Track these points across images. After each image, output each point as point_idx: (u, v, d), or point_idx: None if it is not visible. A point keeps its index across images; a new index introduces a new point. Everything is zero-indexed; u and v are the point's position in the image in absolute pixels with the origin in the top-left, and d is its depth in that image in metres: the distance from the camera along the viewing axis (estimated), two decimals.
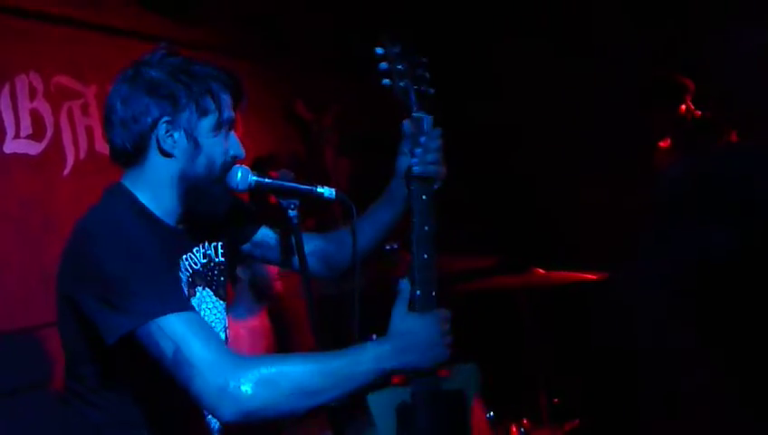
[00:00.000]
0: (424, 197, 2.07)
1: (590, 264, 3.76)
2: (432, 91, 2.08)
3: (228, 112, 2.03)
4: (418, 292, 1.99)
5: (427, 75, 2.11)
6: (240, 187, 2.05)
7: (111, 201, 2.00)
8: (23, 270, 3.26)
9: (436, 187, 2.10)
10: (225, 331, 2.18)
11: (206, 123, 2.01)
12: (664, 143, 4.16)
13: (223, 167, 2.05)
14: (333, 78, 5.32)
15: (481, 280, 3.96)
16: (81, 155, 3.67)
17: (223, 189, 2.06)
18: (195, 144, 2.00)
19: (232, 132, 2.08)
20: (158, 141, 1.98)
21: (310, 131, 5.28)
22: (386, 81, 2.03)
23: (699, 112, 4.06)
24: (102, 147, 3.75)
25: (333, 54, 5.20)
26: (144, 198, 2.01)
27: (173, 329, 1.75)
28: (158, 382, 1.81)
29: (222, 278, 2.17)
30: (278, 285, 3.56)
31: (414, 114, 2.05)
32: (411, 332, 1.90)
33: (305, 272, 2.00)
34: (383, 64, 2.04)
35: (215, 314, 2.14)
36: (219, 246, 2.18)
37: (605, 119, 4.60)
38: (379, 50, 2.04)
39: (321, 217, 4.21)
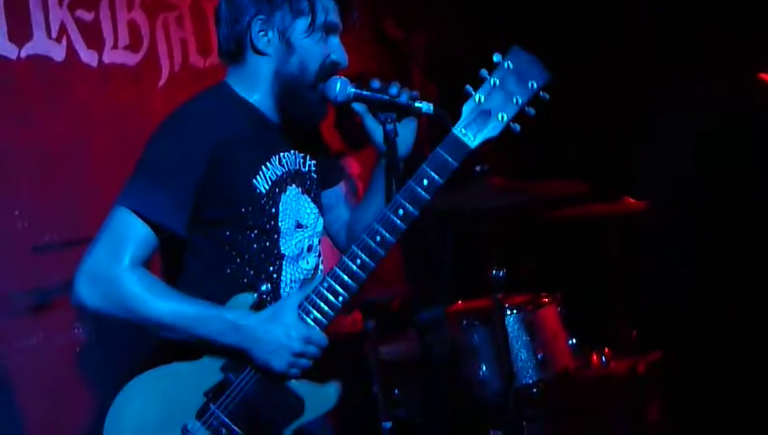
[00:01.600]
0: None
1: None
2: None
3: (328, 16, 2.06)
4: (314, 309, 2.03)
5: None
6: (339, 98, 2.06)
7: (203, 94, 2.11)
8: (121, 180, 3.31)
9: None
10: (318, 237, 2.23)
11: (300, 24, 2.05)
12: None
13: (320, 71, 2.08)
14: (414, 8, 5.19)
15: (571, 207, 3.96)
16: (176, 67, 3.71)
17: (320, 97, 2.08)
18: (287, 44, 2.05)
19: (335, 37, 2.10)
20: (251, 39, 2.05)
21: (398, 51, 5.19)
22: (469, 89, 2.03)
23: None
24: (196, 59, 3.79)
25: None
26: (244, 92, 2.09)
27: (118, 219, 1.97)
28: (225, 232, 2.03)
29: (316, 187, 2.22)
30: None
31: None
32: (268, 329, 1.96)
33: (395, 179, 2.02)
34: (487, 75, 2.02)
35: (311, 218, 2.19)
36: (313, 165, 2.23)
37: None
38: (497, 57, 2.03)
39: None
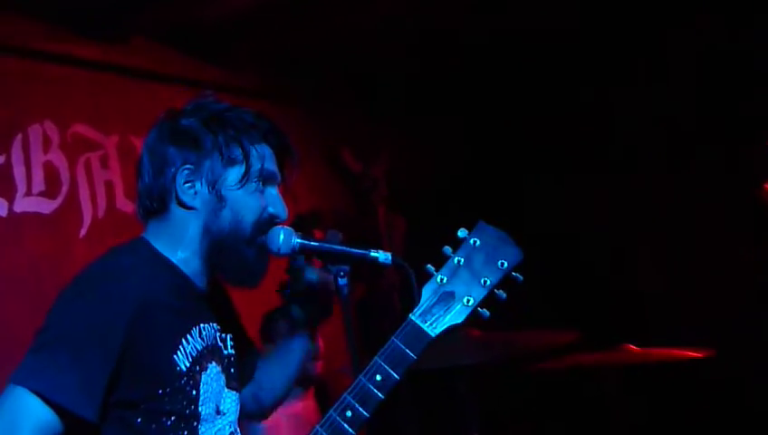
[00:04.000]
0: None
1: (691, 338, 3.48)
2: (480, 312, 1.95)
3: (264, 164, 1.98)
4: None
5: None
6: (282, 250, 1.95)
7: (119, 251, 1.96)
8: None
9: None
10: (236, 426, 2.09)
11: (233, 174, 1.96)
12: None
13: (256, 225, 1.97)
14: (383, 124, 4.98)
15: (561, 358, 3.67)
16: (100, 213, 3.54)
17: (258, 252, 1.96)
18: (218, 196, 1.95)
19: (272, 188, 2.02)
20: (176, 192, 1.95)
21: (358, 184, 4.92)
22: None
23: None
24: (124, 204, 3.58)
25: (383, 98, 4.90)
26: (166, 251, 1.97)
27: (13, 401, 1.76)
28: None
29: (233, 371, 2.09)
30: (319, 366, 3.43)
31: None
32: None
33: (354, 357, 1.91)
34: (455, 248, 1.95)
35: (231, 404, 2.06)
36: (229, 338, 2.09)
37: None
38: (462, 233, 1.96)
39: (372, 283, 3.95)
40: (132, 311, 1.83)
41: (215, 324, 2.03)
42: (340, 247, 1.96)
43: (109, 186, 3.57)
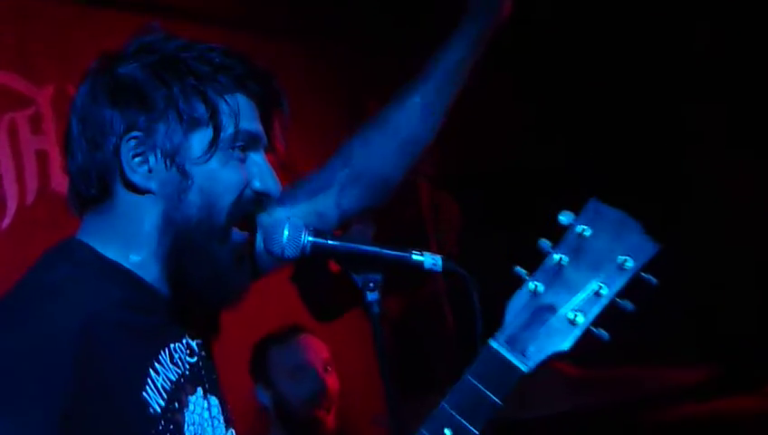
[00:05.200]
0: None
1: None
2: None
3: (240, 124, 1.71)
4: None
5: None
6: (288, 252, 1.68)
7: (50, 260, 1.73)
8: None
9: None
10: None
11: (198, 139, 1.69)
12: None
13: (235, 209, 1.71)
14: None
15: (691, 403, 3.35)
16: (30, 197, 3.16)
17: (235, 253, 1.72)
18: (180, 172, 1.69)
19: (256, 153, 1.77)
20: (122, 170, 1.68)
21: None
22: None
23: None
24: (63, 183, 3.21)
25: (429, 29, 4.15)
26: (114, 253, 1.72)
27: None
28: None
29: (213, 376, 1.90)
30: (331, 418, 3.07)
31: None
32: None
33: (393, 403, 1.65)
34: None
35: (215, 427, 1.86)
36: (202, 344, 1.87)
37: None
38: (566, 218, 1.71)
39: (414, 295, 3.45)
40: (79, 343, 1.60)
41: (187, 339, 1.81)
42: (369, 248, 1.71)
43: (41, 157, 3.20)
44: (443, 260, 1.67)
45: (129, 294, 1.73)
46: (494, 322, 1.68)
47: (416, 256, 1.67)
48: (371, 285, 1.65)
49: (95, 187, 1.71)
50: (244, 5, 3.80)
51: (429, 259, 1.67)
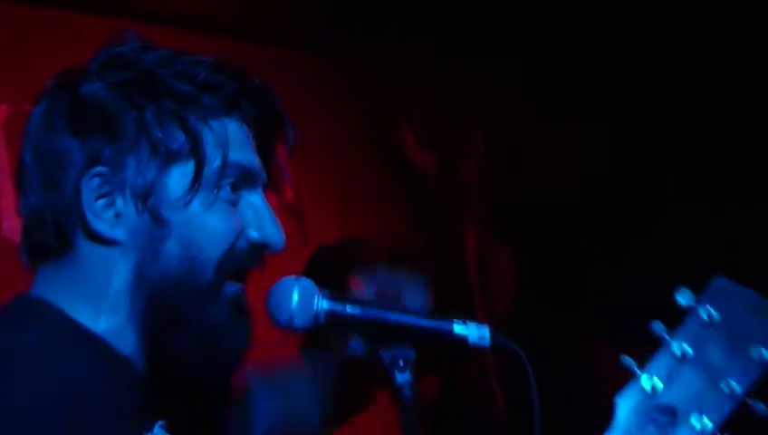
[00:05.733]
0: None
1: None
2: None
3: (230, 154, 1.50)
4: None
5: None
6: (297, 321, 1.48)
7: (9, 324, 1.51)
8: None
9: None
10: None
11: (176, 177, 1.49)
12: None
13: (227, 264, 1.50)
14: (479, 84, 3.45)
15: None
16: None
17: (234, 305, 1.52)
18: (155, 218, 1.49)
19: (252, 195, 1.55)
20: (83, 216, 1.47)
21: (429, 191, 3.48)
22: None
23: None
24: (16, 224, 3.02)
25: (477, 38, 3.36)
26: (82, 315, 1.50)
27: None
28: None
29: None
30: None
31: None
32: None
33: None
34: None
35: None
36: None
37: None
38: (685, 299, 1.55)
39: (455, 374, 2.97)
40: (67, 419, 1.41)
41: (158, 429, 1.57)
42: (398, 317, 1.54)
43: None
44: (491, 333, 1.52)
45: (104, 368, 1.54)
46: (552, 408, 1.50)
47: (458, 328, 1.52)
48: (401, 363, 1.47)
49: (51, 235, 1.51)
50: (244, 8, 3.19)
51: (475, 331, 1.52)
